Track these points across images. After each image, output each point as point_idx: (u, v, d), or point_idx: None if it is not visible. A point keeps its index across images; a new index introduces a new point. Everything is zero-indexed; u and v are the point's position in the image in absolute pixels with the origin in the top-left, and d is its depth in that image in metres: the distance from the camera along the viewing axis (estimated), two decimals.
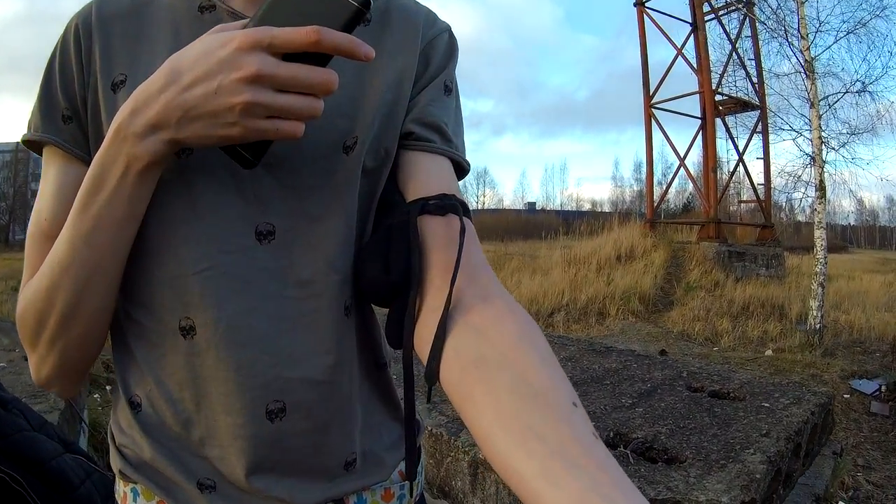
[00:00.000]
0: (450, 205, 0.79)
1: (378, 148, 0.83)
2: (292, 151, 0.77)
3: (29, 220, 0.83)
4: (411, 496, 0.95)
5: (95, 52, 0.79)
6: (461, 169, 0.90)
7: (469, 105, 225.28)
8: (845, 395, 6.62)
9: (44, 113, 0.80)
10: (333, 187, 0.80)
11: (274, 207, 0.77)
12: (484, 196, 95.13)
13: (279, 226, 0.78)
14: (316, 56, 0.64)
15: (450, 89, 0.91)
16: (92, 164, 0.71)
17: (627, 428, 3.17)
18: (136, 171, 0.69)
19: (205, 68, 0.62)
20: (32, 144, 0.82)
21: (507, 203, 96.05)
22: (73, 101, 0.79)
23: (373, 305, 0.92)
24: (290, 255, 0.79)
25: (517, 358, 0.64)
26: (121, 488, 0.87)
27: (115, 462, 0.86)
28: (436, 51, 0.89)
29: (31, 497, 1.66)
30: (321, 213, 0.80)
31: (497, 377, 0.63)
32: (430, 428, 3.16)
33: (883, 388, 6.51)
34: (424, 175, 0.85)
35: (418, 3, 0.92)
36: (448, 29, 0.92)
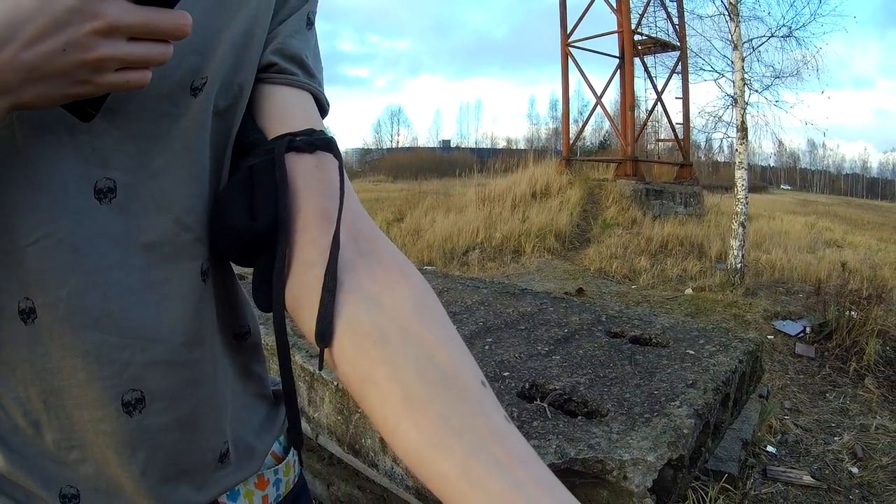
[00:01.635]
0: (320, 140, 0.71)
1: (230, 84, 0.72)
2: (134, 95, 0.63)
3: None
4: (290, 475, 0.89)
5: None
6: (322, 108, 0.81)
7: (385, 44, 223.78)
8: (769, 336, 6.43)
9: None
10: (180, 134, 0.68)
11: (115, 161, 0.65)
12: (398, 135, 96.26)
13: (120, 181, 0.65)
14: None
15: (312, 23, 0.82)
16: None
17: (544, 378, 2.98)
18: None
19: (50, 18, 0.50)
20: None
21: (422, 142, 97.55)
22: None
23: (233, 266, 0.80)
24: (134, 215, 0.66)
25: (420, 333, 0.60)
26: None
27: None
28: None
29: None
30: (167, 163, 0.68)
31: (401, 358, 0.59)
32: (335, 383, 2.94)
33: (808, 329, 6.33)
34: (289, 108, 0.76)
35: None
36: None
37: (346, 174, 0.72)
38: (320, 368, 0.75)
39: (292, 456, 0.91)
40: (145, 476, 0.70)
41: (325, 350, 0.62)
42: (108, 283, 0.65)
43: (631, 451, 2.27)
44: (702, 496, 2.94)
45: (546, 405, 2.72)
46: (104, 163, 0.65)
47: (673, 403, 2.70)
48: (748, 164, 10.21)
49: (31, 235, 0.62)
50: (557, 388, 2.91)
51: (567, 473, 2.18)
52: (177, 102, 0.67)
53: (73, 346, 0.65)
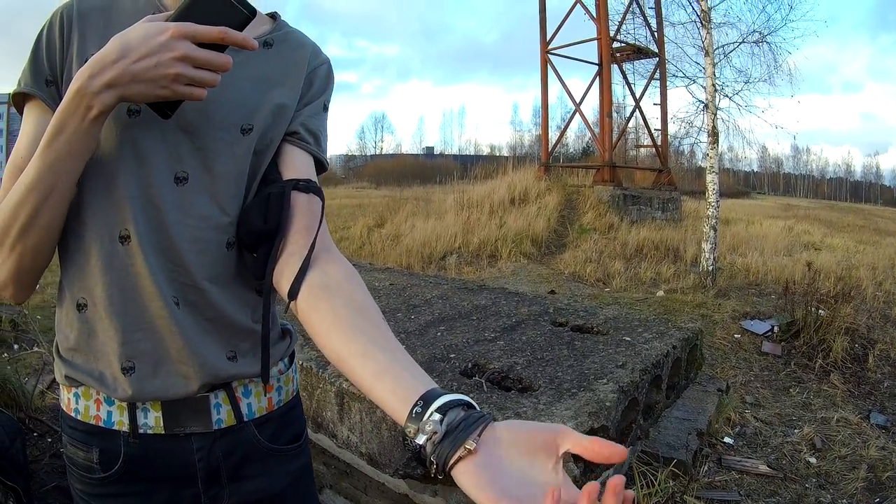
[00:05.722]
0: (314, 187, 1.14)
1: (266, 136, 1.14)
2: (206, 124, 1.07)
3: None
4: (289, 389, 1.30)
5: (74, 38, 1.04)
6: (322, 167, 1.23)
7: (373, 49, 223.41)
8: (736, 336, 6.44)
9: (32, 74, 1.04)
10: (231, 154, 1.10)
11: (188, 161, 1.07)
12: (382, 141, 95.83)
13: (191, 174, 1.07)
14: (219, 45, 0.93)
15: (327, 108, 1.26)
16: (56, 113, 0.93)
17: (486, 359, 3.21)
18: (91, 118, 0.92)
19: (148, 48, 0.89)
20: (18, 98, 1.07)
21: (406, 148, 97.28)
22: (54, 70, 1.04)
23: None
24: (195, 196, 1.08)
25: (347, 287, 1.02)
26: (65, 395, 1.15)
27: (60, 371, 1.13)
28: (318, 77, 1.24)
29: None
30: (220, 170, 1.09)
31: (335, 296, 0.99)
32: (301, 362, 3.19)
33: (775, 328, 6.35)
34: (299, 164, 1.17)
35: (306, 36, 1.26)
36: (327, 61, 1.28)
37: (324, 208, 1.15)
38: (286, 312, 1.10)
39: (293, 373, 1.33)
40: (185, 347, 1.08)
41: (291, 302, 1.01)
42: (172, 231, 1.06)
43: (553, 419, 2.42)
44: (651, 481, 2.98)
45: (483, 381, 2.91)
46: (181, 161, 1.06)
47: (601, 381, 2.83)
48: (719, 168, 10.26)
49: (134, 192, 1.03)
50: (496, 367, 3.07)
51: None
52: (231, 135, 1.09)
53: (149, 263, 1.04)
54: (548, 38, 17.19)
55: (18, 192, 0.96)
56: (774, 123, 11.07)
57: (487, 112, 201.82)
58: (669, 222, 14.87)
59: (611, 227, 13.45)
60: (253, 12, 0.95)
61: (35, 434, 3.62)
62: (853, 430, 4.34)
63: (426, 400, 0.78)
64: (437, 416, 0.75)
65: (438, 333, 3.59)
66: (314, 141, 1.20)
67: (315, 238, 1.07)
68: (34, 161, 0.95)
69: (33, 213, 0.96)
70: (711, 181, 10.03)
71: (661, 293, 8.65)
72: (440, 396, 0.78)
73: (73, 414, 1.13)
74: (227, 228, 1.12)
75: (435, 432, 0.74)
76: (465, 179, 19.67)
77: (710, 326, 6.60)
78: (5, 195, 1.01)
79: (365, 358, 0.87)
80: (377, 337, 0.91)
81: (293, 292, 1.00)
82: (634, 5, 17.02)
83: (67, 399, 1.14)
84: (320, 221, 1.10)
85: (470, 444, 0.72)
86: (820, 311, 6.07)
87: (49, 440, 3.66)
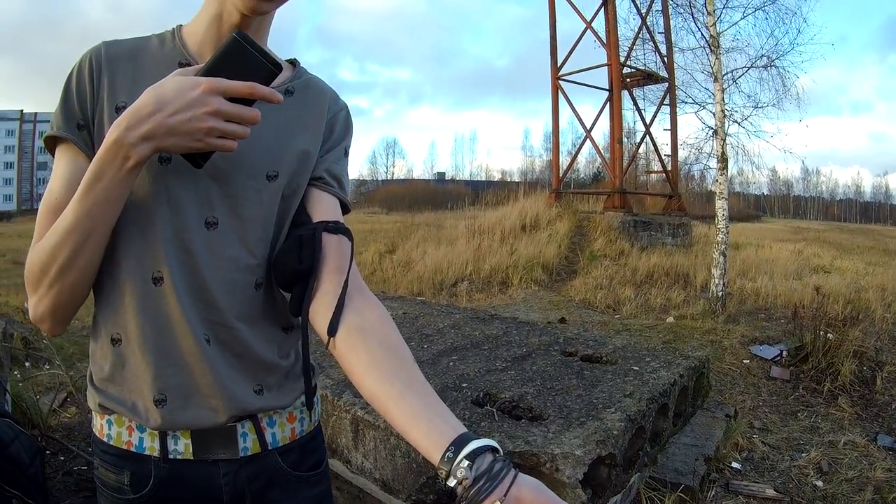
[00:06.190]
0: (343, 229, 1.23)
1: (293, 182, 1.22)
2: (234, 171, 1.14)
3: None
4: (310, 420, 1.37)
5: (104, 84, 1.12)
6: (346, 208, 1.33)
7: (385, 73, 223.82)
8: (745, 361, 6.49)
9: (64, 118, 1.11)
10: (258, 201, 1.17)
11: (218, 207, 1.14)
12: (393, 167, 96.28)
13: (220, 219, 1.14)
14: (248, 99, 0.99)
15: (348, 153, 1.36)
16: (93, 161, 1.00)
17: (497, 389, 3.30)
18: (128, 168, 0.99)
19: (182, 102, 0.95)
20: (50, 140, 1.13)
21: (417, 173, 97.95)
22: (85, 115, 1.11)
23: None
24: (225, 240, 1.15)
25: (382, 330, 1.11)
26: (98, 421, 1.22)
27: (94, 399, 1.20)
28: (338, 123, 1.32)
29: None
30: (248, 215, 1.17)
31: (370, 338, 1.09)
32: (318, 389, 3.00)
33: (784, 353, 6.38)
34: (327, 207, 1.26)
35: (325, 83, 1.35)
36: (346, 107, 1.36)
37: (354, 248, 1.23)
38: (327, 348, 1.14)
39: (316, 405, 1.39)
40: (215, 382, 1.14)
41: (330, 339, 1.10)
42: (204, 273, 1.13)
43: (562, 447, 2.50)
44: None
45: (495, 410, 3.01)
46: (211, 206, 1.13)
47: (609, 410, 2.89)
48: (729, 193, 10.27)
49: (165, 236, 1.10)
50: (507, 396, 3.16)
51: None
52: (258, 182, 1.16)
53: (181, 303, 1.11)
54: (558, 64, 17.26)
55: (57, 233, 1.02)
56: (783, 148, 11.05)
57: (498, 137, 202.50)
58: (679, 248, 14.84)
59: (621, 254, 13.46)
60: (279, 67, 1.00)
61: (48, 452, 3.71)
62: (860, 453, 4.40)
63: (457, 446, 0.90)
64: (465, 463, 0.88)
65: (451, 363, 3.68)
66: (338, 185, 1.29)
67: (347, 277, 1.15)
68: (73, 206, 1.01)
69: (72, 254, 1.03)
70: (721, 207, 10.04)
71: (670, 319, 8.69)
72: (469, 442, 0.90)
73: (105, 439, 1.20)
74: (255, 270, 1.19)
75: (466, 478, 0.87)
76: (477, 205, 19.77)
77: (720, 352, 6.65)
78: (42, 232, 1.08)
79: (401, 401, 0.98)
80: (412, 381, 1.02)
81: (332, 329, 1.09)
82: (644, 31, 17.04)
83: (100, 425, 1.20)
84: (350, 260, 1.19)
85: (497, 503, 0.85)
86: (828, 334, 6.08)
87: (62, 458, 3.75)
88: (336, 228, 1.20)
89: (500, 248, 13.27)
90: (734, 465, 4.05)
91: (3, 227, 38.90)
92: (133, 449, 1.17)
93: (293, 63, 1.33)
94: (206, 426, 1.17)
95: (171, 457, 1.17)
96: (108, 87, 1.11)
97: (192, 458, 1.18)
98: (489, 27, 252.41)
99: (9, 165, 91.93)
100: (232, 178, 1.14)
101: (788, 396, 5.64)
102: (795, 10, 10.50)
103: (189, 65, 1.14)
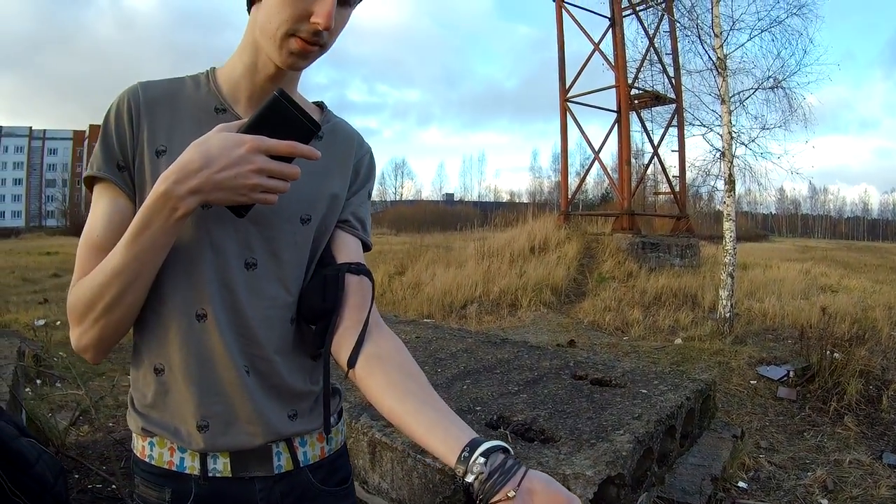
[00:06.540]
0: (364, 270, 1.31)
1: (322, 224, 1.31)
2: (271, 216, 1.22)
3: None
4: (338, 439, 1.44)
5: (144, 127, 1.18)
6: (367, 248, 1.41)
7: (394, 94, 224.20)
8: (752, 382, 6.58)
9: (105, 159, 1.18)
10: (294, 243, 1.26)
11: (257, 249, 1.23)
12: (402, 187, 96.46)
13: (259, 261, 1.23)
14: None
15: (370, 196, 1.44)
16: (142, 208, 1.07)
17: (510, 412, 3.40)
18: (176, 218, 1.06)
19: (229, 160, 1.02)
20: (89, 179, 1.20)
21: (426, 194, 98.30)
22: (125, 156, 1.18)
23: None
24: (264, 280, 1.24)
25: (398, 357, 1.21)
26: (139, 443, 1.27)
27: (136, 423, 1.26)
28: (363, 166, 1.40)
29: None
30: (285, 256, 1.26)
31: (386, 363, 1.19)
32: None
33: (791, 373, 6.46)
34: (350, 248, 1.34)
35: (351, 125, 1.42)
36: (370, 150, 1.43)
37: (374, 288, 1.32)
38: (346, 377, 1.24)
39: (341, 425, 1.47)
40: (254, 410, 1.22)
41: (350, 370, 1.20)
42: (246, 311, 1.21)
43: (573, 467, 2.61)
44: None
45: (508, 432, 3.12)
46: (251, 249, 1.21)
47: (618, 432, 3.00)
48: (736, 214, 10.31)
49: (208, 276, 1.18)
50: (520, 419, 3.26)
51: None
52: (294, 225, 1.25)
53: (224, 338, 1.19)
54: (567, 86, 17.31)
55: (105, 273, 1.09)
56: (790, 169, 11.10)
57: (507, 158, 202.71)
58: (688, 269, 14.87)
59: (630, 275, 13.51)
60: (318, 128, 1.06)
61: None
62: (865, 471, 4.46)
63: (471, 447, 0.98)
64: (481, 460, 0.95)
65: (464, 387, 3.81)
66: (361, 227, 1.37)
67: (368, 315, 1.25)
68: (121, 249, 1.08)
69: (119, 294, 1.10)
70: (728, 228, 10.09)
71: (679, 341, 8.78)
72: (482, 443, 0.98)
73: (147, 459, 1.26)
74: (291, 307, 1.27)
75: (482, 472, 0.94)
76: (486, 227, 19.83)
77: (727, 373, 6.74)
78: (84, 267, 1.15)
79: (418, 414, 1.07)
80: (426, 397, 1.11)
81: (352, 362, 1.19)
82: (652, 52, 17.11)
83: (142, 447, 1.26)
84: (371, 299, 1.28)
85: (511, 493, 0.92)
86: (835, 354, 6.16)
87: (77, 476, 3.85)
88: (358, 269, 1.29)
89: (510, 270, 13.34)
90: (741, 484, 4.13)
91: (11, 244, 38.77)
92: (174, 468, 1.23)
93: (320, 106, 1.40)
94: (245, 448, 1.24)
95: (210, 475, 1.23)
96: (148, 130, 1.17)
97: (230, 475, 1.24)
98: (498, 48, 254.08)
99: (17, 182, 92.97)
100: (270, 222, 1.21)
101: (795, 416, 5.71)
102: (801, 31, 10.50)
103: (224, 110, 1.23)
